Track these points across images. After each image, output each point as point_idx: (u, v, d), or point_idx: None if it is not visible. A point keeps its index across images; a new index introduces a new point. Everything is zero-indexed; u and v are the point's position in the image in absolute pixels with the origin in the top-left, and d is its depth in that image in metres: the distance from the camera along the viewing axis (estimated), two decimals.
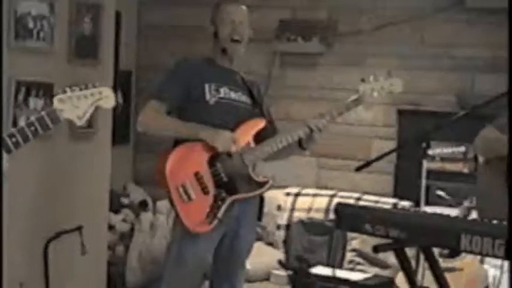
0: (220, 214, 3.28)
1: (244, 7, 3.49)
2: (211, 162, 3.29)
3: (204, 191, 3.27)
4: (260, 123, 3.44)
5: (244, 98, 3.47)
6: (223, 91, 3.40)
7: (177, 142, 3.34)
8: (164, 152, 3.31)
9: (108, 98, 2.59)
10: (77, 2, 4.11)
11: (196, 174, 3.26)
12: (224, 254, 3.44)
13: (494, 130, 3.14)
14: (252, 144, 3.40)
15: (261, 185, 3.40)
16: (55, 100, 2.49)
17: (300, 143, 3.39)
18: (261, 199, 3.52)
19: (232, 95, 3.43)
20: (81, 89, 2.53)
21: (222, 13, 3.45)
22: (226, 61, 3.46)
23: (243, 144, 3.35)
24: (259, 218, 3.59)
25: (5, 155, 2.43)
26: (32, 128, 2.46)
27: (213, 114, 3.34)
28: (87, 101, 2.53)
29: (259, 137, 3.42)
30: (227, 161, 3.31)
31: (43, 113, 2.49)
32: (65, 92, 2.50)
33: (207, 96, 3.36)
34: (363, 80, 3.42)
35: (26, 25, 3.82)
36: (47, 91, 3.88)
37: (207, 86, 3.37)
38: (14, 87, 3.76)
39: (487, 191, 3.18)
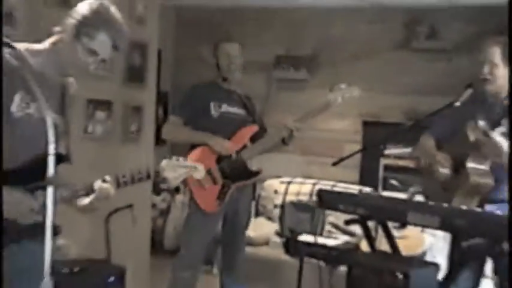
0: (227, 198, 3.34)
1: (237, 44, 3.48)
2: (219, 161, 3.36)
3: (215, 181, 3.33)
4: (254, 129, 3.47)
5: (239, 111, 3.49)
6: (224, 107, 3.44)
7: (193, 145, 3.40)
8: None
9: (198, 171, 2.31)
10: (130, 42, 4.11)
11: (208, 170, 3.29)
12: (229, 227, 3.50)
13: (430, 138, 2.97)
14: (249, 144, 3.43)
15: (256, 174, 3.43)
16: (163, 162, 2.27)
17: (283, 140, 3.42)
18: (254, 185, 3.56)
19: (230, 109, 3.46)
20: (180, 160, 2.29)
21: (220, 50, 3.46)
22: (226, 84, 3.49)
23: (240, 146, 3.39)
24: (253, 198, 3.62)
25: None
26: (140, 176, 2.23)
27: (216, 124, 3.40)
28: (183, 170, 2.28)
29: (254, 138, 3.46)
30: (230, 159, 3.36)
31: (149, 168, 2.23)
32: (171, 158, 2.27)
33: (212, 111, 3.41)
34: (330, 90, 3.40)
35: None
36: (109, 107, 3.90)
37: (212, 104, 3.42)
38: (82, 104, 3.78)
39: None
